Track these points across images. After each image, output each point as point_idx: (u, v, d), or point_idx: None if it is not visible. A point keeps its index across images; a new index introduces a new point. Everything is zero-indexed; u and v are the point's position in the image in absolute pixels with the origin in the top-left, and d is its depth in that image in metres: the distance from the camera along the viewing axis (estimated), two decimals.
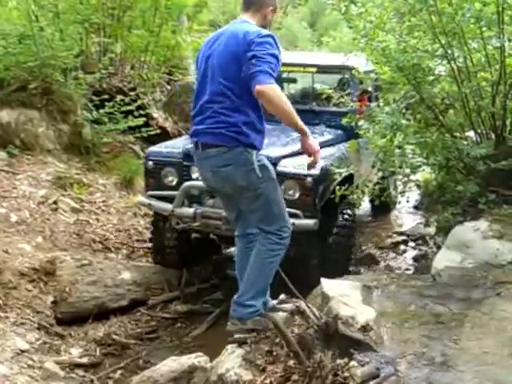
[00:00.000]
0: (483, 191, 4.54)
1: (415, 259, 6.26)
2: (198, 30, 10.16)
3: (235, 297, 3.33)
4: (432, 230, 6.15)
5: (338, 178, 4.89)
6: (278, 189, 3.33)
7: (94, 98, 7.80)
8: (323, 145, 4.45)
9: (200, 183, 4.53)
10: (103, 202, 6.78)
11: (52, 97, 7.49)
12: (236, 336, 3.26)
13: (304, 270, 4.82)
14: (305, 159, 3.38)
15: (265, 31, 3.14)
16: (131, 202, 6.91)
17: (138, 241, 6.22)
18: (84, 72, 7.82)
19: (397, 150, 4.79)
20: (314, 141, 3.27)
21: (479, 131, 4.80)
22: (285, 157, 4.88)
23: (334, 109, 5.90)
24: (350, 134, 5.56)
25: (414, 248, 6.68)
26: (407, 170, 4.95)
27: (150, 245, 5.83)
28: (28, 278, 4.89)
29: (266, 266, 3.26)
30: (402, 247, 6.74)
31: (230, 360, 3.15)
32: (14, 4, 8.63)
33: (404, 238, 6.93)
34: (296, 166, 4.76)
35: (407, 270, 6.04)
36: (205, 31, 10.21)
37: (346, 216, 5.19)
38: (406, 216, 7.81)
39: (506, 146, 4.65)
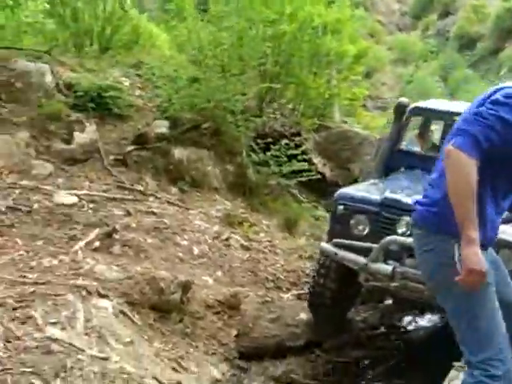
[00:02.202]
0: None
1: None
2: (352, 80, 10.23)
3: None
4: None
5: None
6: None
7: (259, 141, 8.01)
8: None
9: (404, 239, 4.31)
10: (269, 241, 6.83)
11: (221, 138, 7.79)
12: None
13: None
14: None
15: None
16: (295, 244, 6.94)
17: (306, 282, 6.19)
18: (250, 115, 8.07)
19: None
20: (481, 258, 2.35)
21: None
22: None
23: None
24: None
25: None
26: None
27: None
28: (213, 310, 4.97)
29: None
30: None
31: None
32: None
33: None
34: None
35: None
36: (359, 81, 10.34)
37: None
38: None
39: None
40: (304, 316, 5.30)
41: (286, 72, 8.46)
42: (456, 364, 3.55)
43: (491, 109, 2.36)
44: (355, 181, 9.04)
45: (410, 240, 4.23)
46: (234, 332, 4.90)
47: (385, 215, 4.61)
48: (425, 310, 6.04)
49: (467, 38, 29.11)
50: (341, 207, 4.80)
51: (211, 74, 7.85)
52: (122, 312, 4.11)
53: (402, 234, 4.42)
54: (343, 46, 9.02)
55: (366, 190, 5.06)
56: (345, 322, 5.45)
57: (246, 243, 6.53)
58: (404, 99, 5.88)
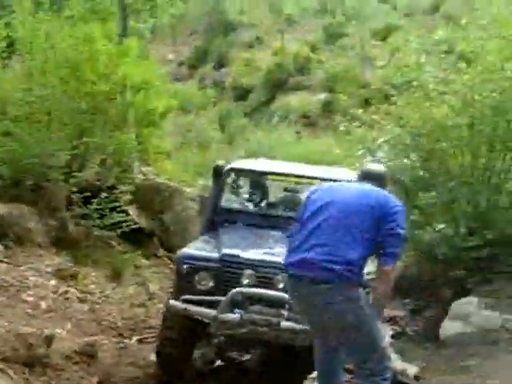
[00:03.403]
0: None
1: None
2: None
3: None
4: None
5: None
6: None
7: (78, 194, 8.23)
8: None
9: (248, 290, 4.93)
10: (100, 292, 7.15)
11: (41, 192, 7.92)
12: None
13: None
14: None
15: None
16: (126, 293, 7.35)
17: (144, 328, 6.64)
18: (69, 170, 8.31)
19: None
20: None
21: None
22: None
23: None
24: None
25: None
26: None
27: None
28: (73, 361, 5.22)
29: None
30: None
31: None
32: None
33: None
34: None
35: None
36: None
37: None
38: None
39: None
40: (153, 357, 5.75)
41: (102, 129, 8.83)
42: (309, 377, 4.38)
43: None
44: (166, 229, 9.77)
45: (253, 290, 5.05)
46: (96, 379, 5.19)
47: (225, 270, 5.14)
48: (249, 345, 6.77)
49: (241, 88, 31.45)
50: (185, 266, 5.17)
51: (23, 128, 7.98)
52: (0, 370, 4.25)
53: (246, 285, 5.02)
54: (152, 104, 9.70)
55: (204, 248, 5.54)
56: (189, 362, 5.94)
57: (81, 295, 6.78)
58: (220, 162, 6.66)
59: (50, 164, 7.94)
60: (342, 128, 7.52)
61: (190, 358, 5.80)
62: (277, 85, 30.45)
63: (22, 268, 6.82)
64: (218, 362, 6.38)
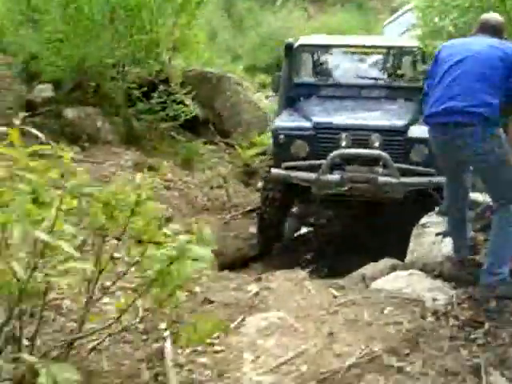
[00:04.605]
0: None
1: None
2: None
3: (485, 266, 3.58)
4: None
5: None
6: None
7: (135, 91, 8.40)
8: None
9: (347, 151, 5.34)
10: (179, 180, 7.51)
11: (102, 93, 8.10)
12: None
13: None
14: None
15: None
16: (202, 178, 7.71)
17: (231, 206, 7.06)
18: (125, 67, 8.42)
19: None
20: None
21: None
22: (410, 125, 5.52)
23: (411, 84, 6.43)
24: None
25: None
26: None
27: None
28: None
29: (509, 234, 3.56)
30: None
31: None
32: None
33: None
34: (422, 131, 5.45)
35: None
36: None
37: None
38: None
39: None
40: (253, 230, 6.20)
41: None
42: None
43: None
44: (219, 116, 9.97)
45: (352, 150, 5.40)
46: None
47: (319, 136, 5.55)
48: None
49: None
50: (282, 136, 5.59)
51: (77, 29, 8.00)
52: None
53: (343, 147, 5.42)
54: None
55: (294, 119, 5.91)
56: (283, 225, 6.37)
57: (165, 184, 7.14)
58: (290, 39, 6.84)
59: (106, 63, 8.04)
60: None
61: (284, 221, 6.26)
62: None
63: (104, 165, 7.14)
64: (303, 229, 6.85)
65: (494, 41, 3.71)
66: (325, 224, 6.74)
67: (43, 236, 1.91)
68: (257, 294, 3.29)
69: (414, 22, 6.71)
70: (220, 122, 9.83)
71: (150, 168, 7.48)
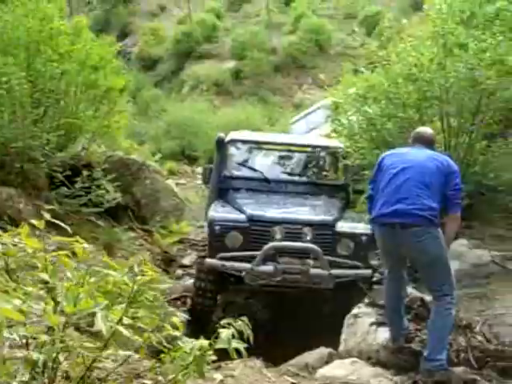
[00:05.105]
0: None
1: None
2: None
3: (425, 353, 3.93)
4: None
5: None
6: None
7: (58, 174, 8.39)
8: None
9: (283, 243, 5.73)
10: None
11: (25, 175, 8.04)
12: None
13: None
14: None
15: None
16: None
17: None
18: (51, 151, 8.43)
19: None
20: None
21: None
22: (337, 220, 6.04)
23: (334, 182, 7.18)
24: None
25: None
26: None
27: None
28: None
29: (447, 322, 3.99)
30: None
31: None
32: None
33: None
34: (348, 227, 5.95)
35: None
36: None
37: None
38: None
39: None
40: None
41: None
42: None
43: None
44: (138, 202, 10.08)
45: (285, 243, 5.77)
46: None
47: (253, 228, 5.93)
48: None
49: (148, 59, 31.05)
50: (217, 227, 5.92)
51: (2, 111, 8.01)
52: None
53: (276, 240, 5.83)
54: (111, 81, 9.84)
55: (228, 210, 6.29)
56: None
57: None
58: (222, 134, 7.28)
59: (30, 145, 8.04)
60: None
61: (215, 307, 6.52)
62: (185, 54, 30.41)
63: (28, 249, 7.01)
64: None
65: (432, 153, 4.29)
66: (255, 313, 6.92)
67: None
68: (221, 382, 3.41)
69: (322, 120, 7.43)
70: (138, 209, 9.95)
71: (73, 253, 7.42)
